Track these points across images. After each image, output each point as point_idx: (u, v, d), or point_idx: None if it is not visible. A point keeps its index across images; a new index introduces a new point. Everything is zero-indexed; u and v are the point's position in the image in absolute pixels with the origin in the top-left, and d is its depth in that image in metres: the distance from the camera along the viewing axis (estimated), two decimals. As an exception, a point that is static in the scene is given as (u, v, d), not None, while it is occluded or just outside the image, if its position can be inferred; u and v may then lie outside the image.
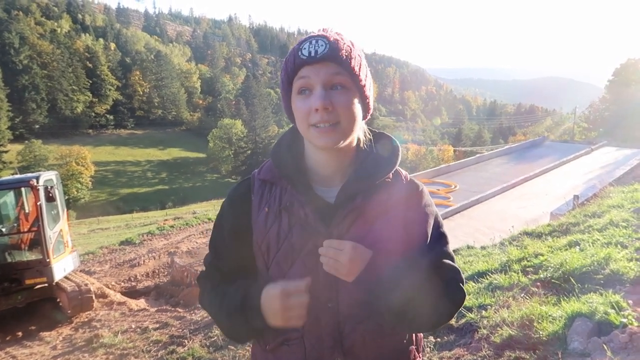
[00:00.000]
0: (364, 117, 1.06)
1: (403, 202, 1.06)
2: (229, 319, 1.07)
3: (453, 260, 1.08)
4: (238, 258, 1.11)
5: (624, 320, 2.65)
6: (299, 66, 0.97)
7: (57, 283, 8.56)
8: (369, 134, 1.11)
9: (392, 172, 1.08)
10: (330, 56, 0.96)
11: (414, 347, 1.13)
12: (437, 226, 1.10)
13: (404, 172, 1.11)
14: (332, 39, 0.98)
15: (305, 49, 0.97)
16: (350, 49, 0.99)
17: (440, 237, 1.09)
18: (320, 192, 1.05)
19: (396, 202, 1.05)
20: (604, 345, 2.43)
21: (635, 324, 2.60)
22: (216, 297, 1.10)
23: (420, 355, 1.17)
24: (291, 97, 1.02)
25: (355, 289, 1.01)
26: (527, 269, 4.28)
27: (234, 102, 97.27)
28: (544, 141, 30.38)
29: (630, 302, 2.91)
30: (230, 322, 1.08)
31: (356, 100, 1.00)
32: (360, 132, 1.08)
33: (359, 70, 0.99)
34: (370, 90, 1.04)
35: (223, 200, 1.16)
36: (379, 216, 1.03)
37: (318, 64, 0.96)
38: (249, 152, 78.33)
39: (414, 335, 1.14)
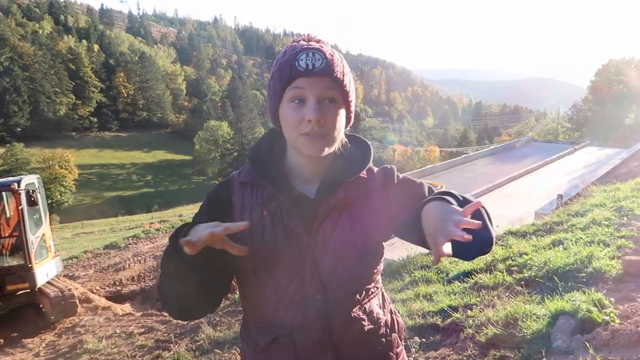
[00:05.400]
0: (345, 127, 1.11)
1: (381, 187, 1.12)
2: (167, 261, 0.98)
3: None
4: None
5: (607, 317, 2.68)
6: (295, 76, 1.01)
7: (39, 288, 8.41)
8: (345, 138, 1.16)
9: (366, 169, 1.14)
10: (326, 72, 1.01)
11: (396, 334, 1.16)
12: (425, 190, 1.11)
13: (375, 168, 1.18)
14: (328, 54, 1.03)
15: (302, 60, 1.01)
16: (343, 66, 1.05)
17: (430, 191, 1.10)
18: (301, 189, 1.09)
19: (374, 189, 1.11)
20: (587, 343, 2.46)
21: (617, 321, 2.64)
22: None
23: (402, 343, 1.20)
24: (280, 104, 1.05)
25: (343, 277, 1.04)
26: (512, 268, 4.31)
27: (219, 104, 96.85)
28: (528, 141, 30.81)
29: (612, 299, 2.95)
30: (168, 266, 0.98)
31: (343, 113, 1.06)
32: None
33: (349, 86, 1.06)
34: (353, 104, 1.10)
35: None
36: (362, 206, 1.08)
37: (314, 77, 1.00)
38: (236, 153, 78.01)
39: (396, 323, 1.18)
